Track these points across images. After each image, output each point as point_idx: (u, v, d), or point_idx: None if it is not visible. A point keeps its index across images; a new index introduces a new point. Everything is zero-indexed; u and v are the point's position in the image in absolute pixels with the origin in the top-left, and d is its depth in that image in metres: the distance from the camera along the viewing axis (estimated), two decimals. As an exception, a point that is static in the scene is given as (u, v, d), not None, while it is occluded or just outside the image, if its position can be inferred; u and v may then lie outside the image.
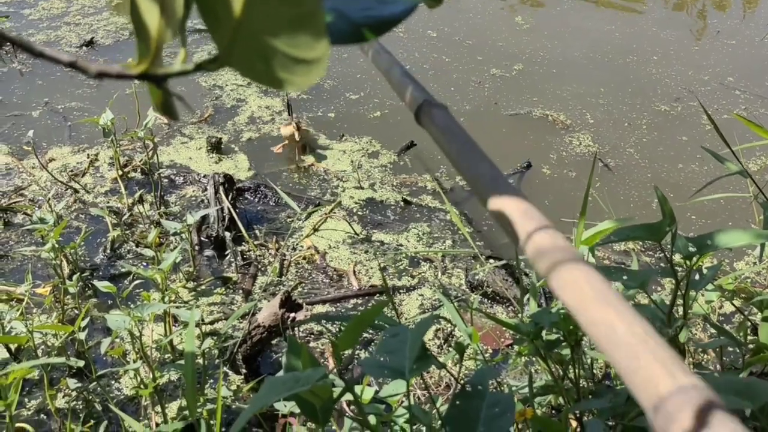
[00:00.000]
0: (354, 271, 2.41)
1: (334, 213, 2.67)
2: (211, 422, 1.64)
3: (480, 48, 3.95)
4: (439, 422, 1.30)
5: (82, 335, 1.74)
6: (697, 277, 1.37)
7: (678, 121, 3.34)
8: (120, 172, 2.80)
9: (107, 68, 0.45)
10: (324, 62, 0.42)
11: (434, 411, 1.30)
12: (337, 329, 2.17)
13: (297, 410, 1.52)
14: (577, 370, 1.31)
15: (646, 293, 1.28)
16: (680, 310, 1.36)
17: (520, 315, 1.75)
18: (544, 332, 1.32)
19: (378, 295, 2.31)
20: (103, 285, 1.84)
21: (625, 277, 1.26)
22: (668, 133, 3.24)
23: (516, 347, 2.10)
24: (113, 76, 0.45)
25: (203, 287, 2.33)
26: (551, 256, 0.35)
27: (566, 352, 1.45)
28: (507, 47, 3.99)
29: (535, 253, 0.37)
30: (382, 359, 0.99)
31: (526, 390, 1.48)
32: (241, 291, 2.32)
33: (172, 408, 1.89)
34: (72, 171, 2.86)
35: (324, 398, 0.98)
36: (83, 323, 1.79)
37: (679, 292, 1.27)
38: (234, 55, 0.43)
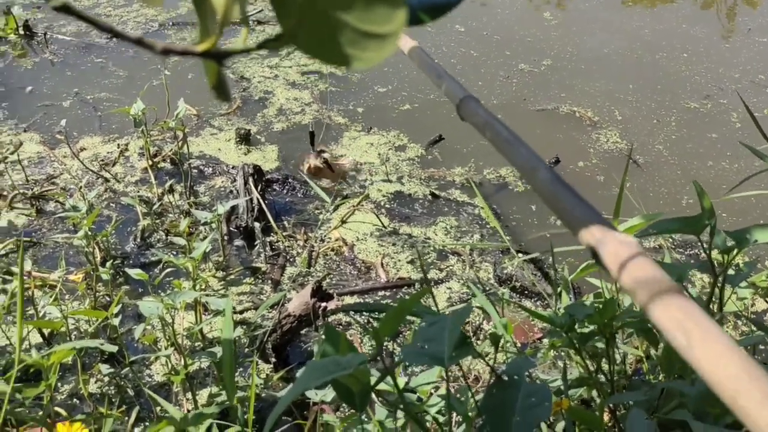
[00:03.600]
0: (382, 263, 2.41)
1: (362, 205, 2.67)
2: (242, 410, 1.65)
3: (508, 43, 3.94)
4: (473, 412, 1.30)
5: (115, 321, 1.76)
6: (731, 272, 1.36)
7: (708, 118, 3.31)
8: (150, 162, 2.82)
9: (173, 46, 0.45)
10: (398, 36, 0.41)
11: (470, 399, 1.30)
12: (365, 320, 2.18)
13: (328, 398, 1.53)
14: (611, 364, 1.30)
15: (683, 287, 1.27)
16: (715, 306, 1.35)
17: (551, 309, 1.74)
18: (577, 325, 1.32)
19: (406, 287, 2.31)
20: (135, 272, 1.86)
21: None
22: (698, 131, 3.21)
23: (546, 341, 2.10)
24: (178, 52, 0.46)
25: (232, 277, 2.34)
26: (651, 287, 0.35)
27: (599, 345, 1.45)
28: (535, 42, 3.97)
29: (633, 283, 0.37)
30: (420, 346, 1.00)
31: (557, 383, 1.48)
32: (269, 281, 2.33)
33: (203, 395, 1.91)
34: (102, 160, 2.89)
35: (363, 383, 0.99)
36: (116, 309, 1.81)
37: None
38: (300, 33, 0.42)
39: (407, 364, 2.05)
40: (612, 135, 3.17)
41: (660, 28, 4.21)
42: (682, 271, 1.23)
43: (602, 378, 1.37)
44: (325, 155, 2.83)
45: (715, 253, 1.24)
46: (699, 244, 2.19)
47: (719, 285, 1.29)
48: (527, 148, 0.56)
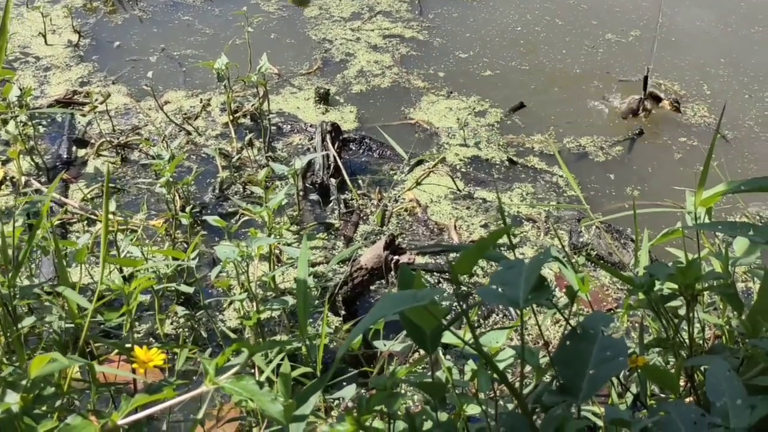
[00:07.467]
0: (455, 226, 2.39)
1: (438, 168, 2.66)
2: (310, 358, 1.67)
3: (595, 12, 3.83)
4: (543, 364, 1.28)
5: (193, 263, 1.80)
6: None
7: (805, 95, 3.15)
8: (231, 117, 2.87)
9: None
10: None
11: (540, 354, 1.29)
12: (436, 281, 2.17)
13: (397, 349, 1.53)
14: (690, 327, 1.26)
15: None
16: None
17: (629, 272, 1.70)
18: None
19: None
20: (213, 219, 1.89)
21: (751, 232, 1.21)
22: (794, 108, 3.07)
23: (620, 311, 2.05)
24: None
25: (306, 231, 2.36)
26: None
27: (679, 308, 1.40)
28: (624, 12, 3.84)
29: None
30: (497, 288, 0.98)
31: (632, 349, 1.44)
32: (342, 237, 2.35)
33: (272, 342, 1.94)
34: (185, 114, 2.95)
35: (436, 322, 0.98)
36: (193, 254, 1.86)
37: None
38: None
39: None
40: (700, 109, 3.06)
41: (758, 1, 4.02)
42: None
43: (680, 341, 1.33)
44: None
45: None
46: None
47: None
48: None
